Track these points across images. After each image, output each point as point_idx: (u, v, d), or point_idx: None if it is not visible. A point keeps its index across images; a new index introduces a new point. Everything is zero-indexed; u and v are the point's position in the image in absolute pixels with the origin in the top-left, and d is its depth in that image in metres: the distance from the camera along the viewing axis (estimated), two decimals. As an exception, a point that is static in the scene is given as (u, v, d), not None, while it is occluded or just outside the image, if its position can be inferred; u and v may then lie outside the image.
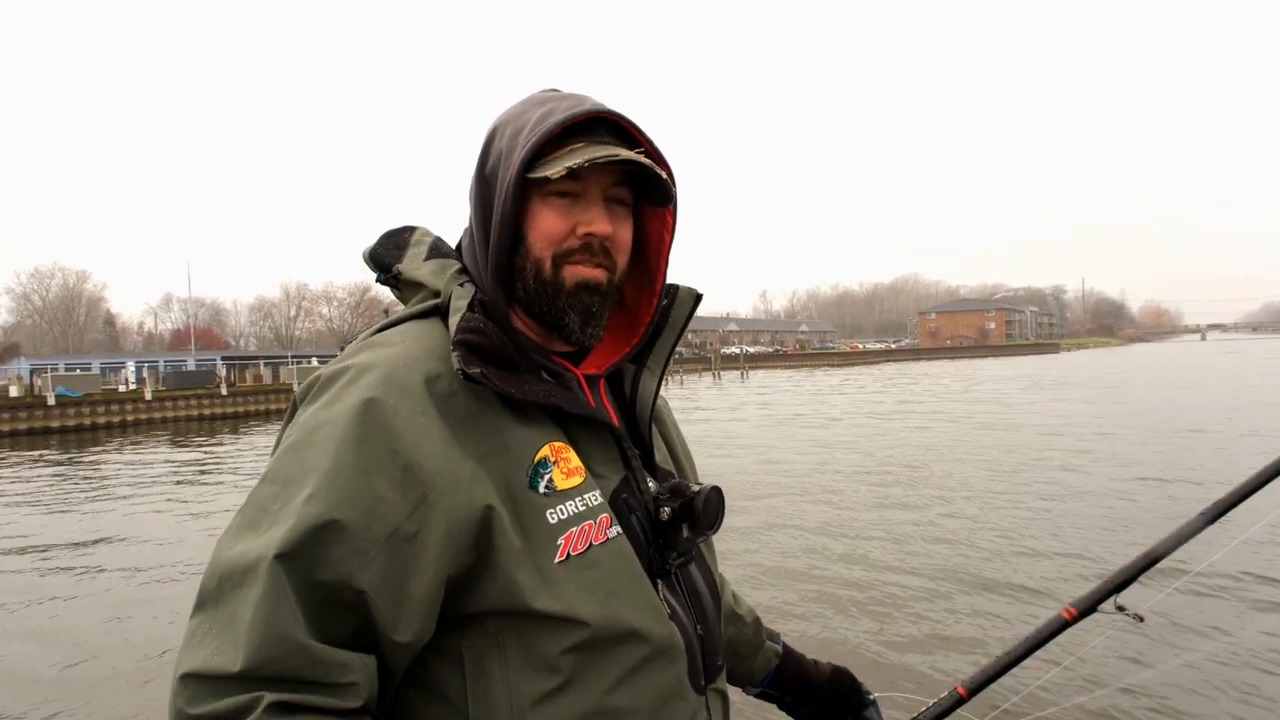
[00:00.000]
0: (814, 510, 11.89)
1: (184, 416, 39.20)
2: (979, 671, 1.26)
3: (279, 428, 1.05)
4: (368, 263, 1.18)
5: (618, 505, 1.06)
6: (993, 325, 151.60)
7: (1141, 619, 1.18)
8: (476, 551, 0.94)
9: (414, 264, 1.14)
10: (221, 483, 17.88)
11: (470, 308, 1.03)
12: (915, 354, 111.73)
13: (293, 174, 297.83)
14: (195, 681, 0.83)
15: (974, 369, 65.07)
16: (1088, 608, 1.20)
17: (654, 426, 1.22)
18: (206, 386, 43.66)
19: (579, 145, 1.03)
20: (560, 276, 1.06)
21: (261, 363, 57.85)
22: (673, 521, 1.08)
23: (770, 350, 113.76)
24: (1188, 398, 29.15)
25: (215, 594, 0.87)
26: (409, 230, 1.19)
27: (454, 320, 1.02)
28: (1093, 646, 1.28)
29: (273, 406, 42.78)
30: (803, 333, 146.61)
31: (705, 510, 1.09)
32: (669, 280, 1.20)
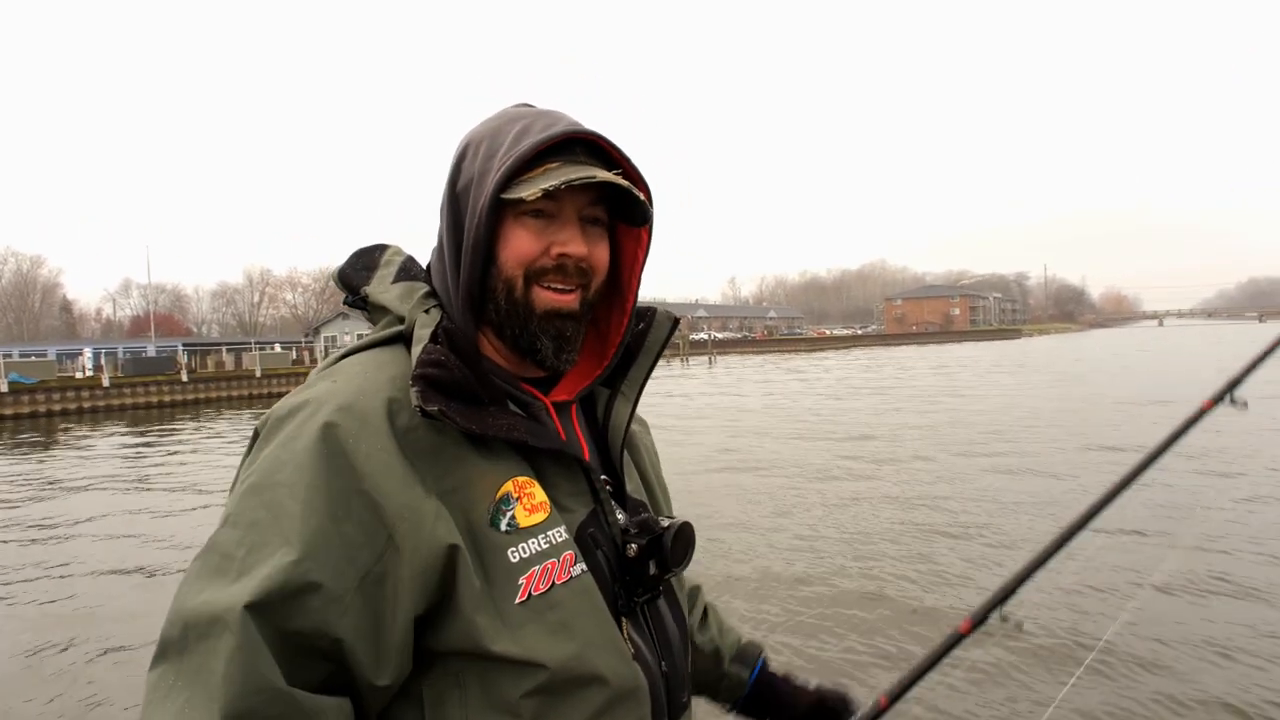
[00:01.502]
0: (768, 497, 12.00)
1: (143, 404, 38.38)
2: (897, 684, 1.34)
3: (238, 413, 1.01)
4: (337, 284, 1.15)
5: (584, 540, 1.03)
6: (957, 311, 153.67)
7: (1021, 627, 1.35)
8: (442, 591, 0.92)
9: (381, 286, 1.11)
10: (171, 475, 17.58)
11: (434, 337, 1.00)
12: (882, 339, 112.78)
13: (258, 157, 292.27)
14: None
15: (938, 354, 65.84)
16: (979, 619, 1.36)
17: (627, 454, 1.19)
18: (167, 373, 42.75)
19: (554, 165, 1.00)
20: (531, 298, 1.03)
21: (224, 349, 56.78)
22: (640, 558, 1.06)
23: (739, 336, 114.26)
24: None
25: (180, 645, 0.83)
26: (379, 249, 1.16)
27: (416, 350, 0.99)
28: (983, 655, 1.43)
29: (235, 393, 42.11)
30: (771, 319, 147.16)
31: (674, 547, 1.07)
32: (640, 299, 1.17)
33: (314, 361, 47.51)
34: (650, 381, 1.19)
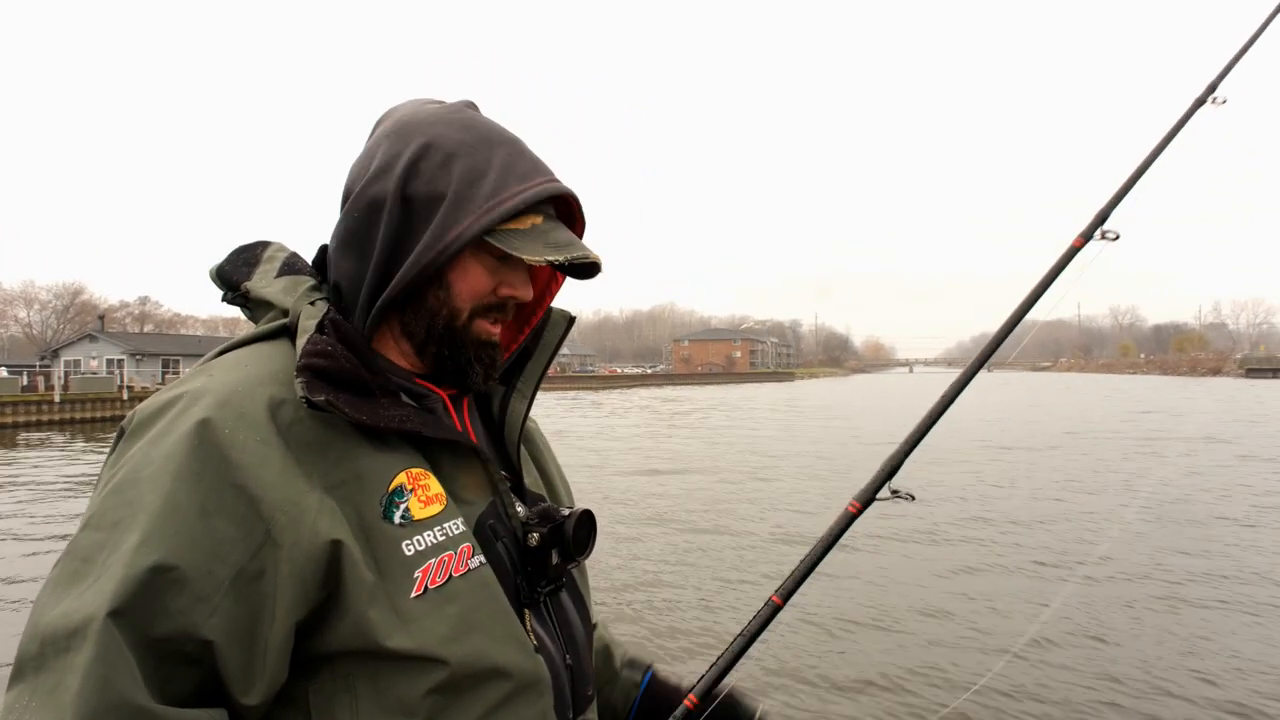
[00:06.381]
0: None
1: None
2: (788, 579, 1.31)
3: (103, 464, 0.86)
4: (214, 280, 1.09)
5: (483, 532, 1.01)
6: (739, 354, 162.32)
7: (914, 497, 1.32)
8: (327, 589, 0.87)
9: (263, 281, 1.06)
10: None
11: (320, 328, 0.96)
12: (669, 379, 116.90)
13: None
14: None
15: (723, 394, 69.13)
16: (868, 498, 1.33)
17: (525, 449, 1.20)
18: None
19: (538, 220, 1.03)
20: (472, 329, 1.05)
21: (-68, 372, 48.69)
22: (541, 548, 1.04)
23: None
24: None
25: (36, 661, 0.77)
26: (261, 245, 1.11)
27: (301, 341, 0.95)
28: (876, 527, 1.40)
29: (-54, 424, 36.01)
30: (564, 356, 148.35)
31: (575, 535, 1.06)
32: None
33: (50, 388, 42.03)
34: None
